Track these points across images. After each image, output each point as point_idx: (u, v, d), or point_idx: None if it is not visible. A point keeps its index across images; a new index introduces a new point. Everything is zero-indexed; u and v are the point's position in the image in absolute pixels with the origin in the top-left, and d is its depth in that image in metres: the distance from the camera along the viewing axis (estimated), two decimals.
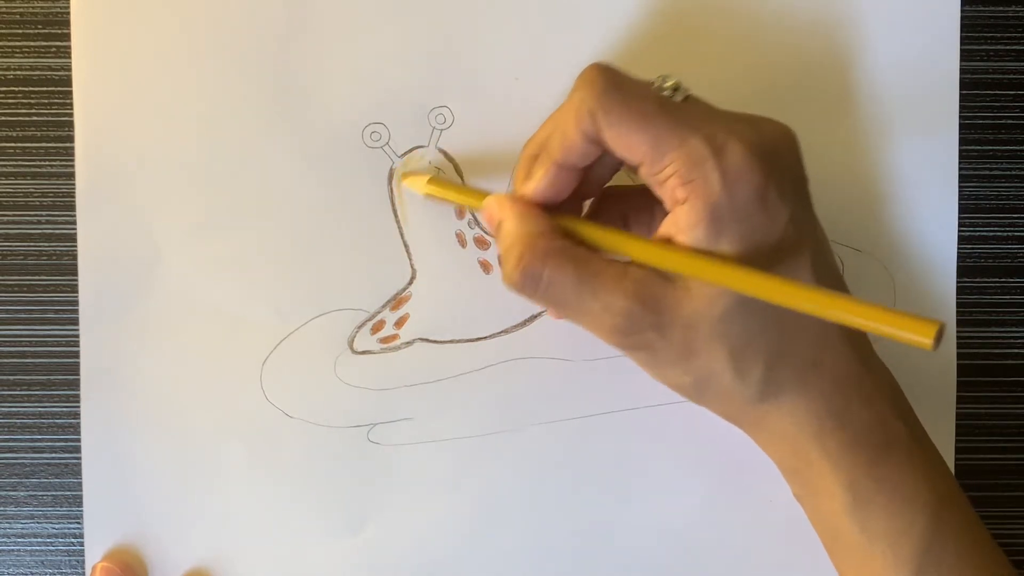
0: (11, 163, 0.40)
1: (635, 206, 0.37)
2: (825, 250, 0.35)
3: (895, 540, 0.33)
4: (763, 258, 0.32)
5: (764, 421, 0.34)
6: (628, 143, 0.33)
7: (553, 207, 0.35)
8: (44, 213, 0.40)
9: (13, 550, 0.41)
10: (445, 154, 0.40)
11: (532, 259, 0.33)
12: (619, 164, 0.36)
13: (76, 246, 0.40)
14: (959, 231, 0.40)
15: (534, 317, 0.40)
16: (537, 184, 0.35)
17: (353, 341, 0.40)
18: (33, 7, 0.40)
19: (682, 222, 0.33)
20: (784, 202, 0.33)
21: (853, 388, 0.34)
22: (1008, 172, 0.41)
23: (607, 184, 0.37)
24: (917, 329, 0.29)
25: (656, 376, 0.35)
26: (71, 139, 0.40)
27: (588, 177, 0.36)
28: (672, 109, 0.33)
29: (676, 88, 0.34)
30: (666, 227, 0.33)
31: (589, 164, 0.35)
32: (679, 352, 0.33)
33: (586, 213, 0.37)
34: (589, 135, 0.33)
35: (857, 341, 0.34)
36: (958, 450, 0.40)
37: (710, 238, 0.32)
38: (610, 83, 0.33)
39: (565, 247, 0.34)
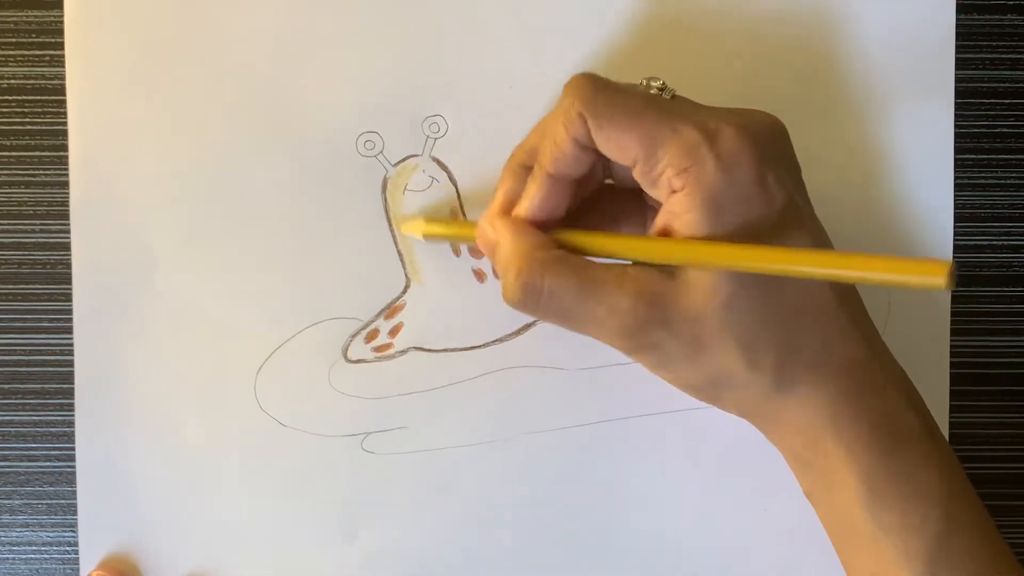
0: (5, 172, 0.40)
1: (624, 210, 0.37)
2: (823, 233, 0.35)
3: (908, 533, 0.33)
4: (765, 239, 0.32)
5: (779, 413, 0.34)
6: (620, 142, 0.33)
7: (546, 225, 0.35)
8: (38, 222, 0.40)
9: (8, 558, 0.41)
10: (439, 163, 0.40)
11: (531, 272, 0.33)
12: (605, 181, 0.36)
13: (70, 255, 0.40)
14: (954, 240, 0.40)
15: (528, 326, 0.40)
16: (532, 200, 0.35)
17: (347, 350, 0.40)
18: (27, 16, 0.40)
19: (679, 209, 0.32)
20: (781, 185, 0.33)
21: (866, 378, 0.33)
22: (1003, 181, 0.41)
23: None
24: (929, 270, 0.28)
25: (669, 378, 0.34)
26: (65, 148, 0.40)
27: (577, 195, 0.36)
28: (661, 104, 0.33)
29: (662, 88, 0.34)
30: (663, 218, 0.33)
31: (581, 177, 0.35)
32: (689, 347, 0.33)
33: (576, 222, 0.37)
34: (580, 140, 0.33)
35: (867, 331, 0.34)
36: None
37: (710, 222, 0.32)
38: (596, 86, 0.33)
39: (562, 256, 0.34)
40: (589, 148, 0.34)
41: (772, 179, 0.32)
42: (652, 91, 0.34)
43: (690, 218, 0.32)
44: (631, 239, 0.34)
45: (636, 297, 0.33)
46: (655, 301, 0.33)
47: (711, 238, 0.32)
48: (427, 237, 0.39)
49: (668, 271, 0.33)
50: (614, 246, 0.34)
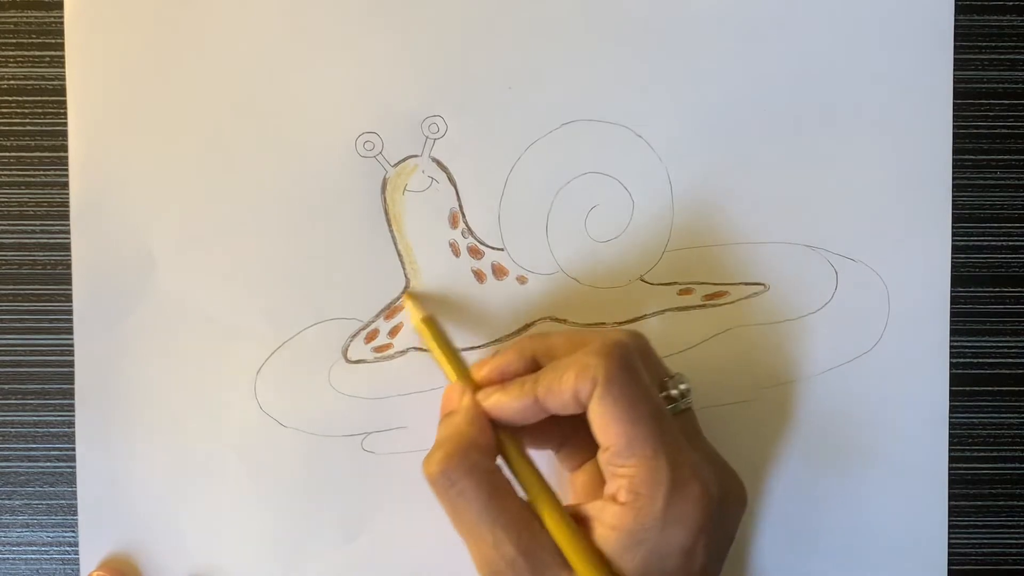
0: (5, 173, 0.40)
1: (575, 431, 0.37)
2: None
3: None
4: None
5: None
6: (607, 427, 0.33)
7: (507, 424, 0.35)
8: (38, 223, 0.40)
9: (8, 559, 0.41)
10: (438, 163, 0.40)
11: (456, 466, 0.34)
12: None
13: (70, 255, 0.40)
14: (953, 240, 0.40)
15: (528, 326, 0.40)
16: (507, 404, 0.35)
17: (347, 350, 0.40)
18: (27, 17, 0.40)
19: (606, 518, 0.33)
20: (703, 556, 0.33)
21: None
22: (1002, 181, 0.41)
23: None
24: None
25: None
26: (65, 148, 0.40)
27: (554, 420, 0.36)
28: (661, 421, 0.34)
29: (684, 395, 0.35)
30: (592, 506, 0.34)
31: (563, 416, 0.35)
32: None
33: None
34: (580, 399, 0.34)
35: None
36: (952, 459, 0.40)
37: (619, 551, 0.33)
38: (623, 366, 0.33)
39: (489, 470, 0.34)
40: (583, 406, 0.34)
41: (701, 547, 0.33)
42: (672, 392, 0.35)
43: (608, 534, 0.33)
44: (547, 503, 0.34)
45: (524, 553, 0.33)
46: (535, 566, 0.33)
47: (612, 562, 0.33)
48: (418, 331, 0.38)
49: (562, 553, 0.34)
50: (534, 496, 0.34)
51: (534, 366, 0.36)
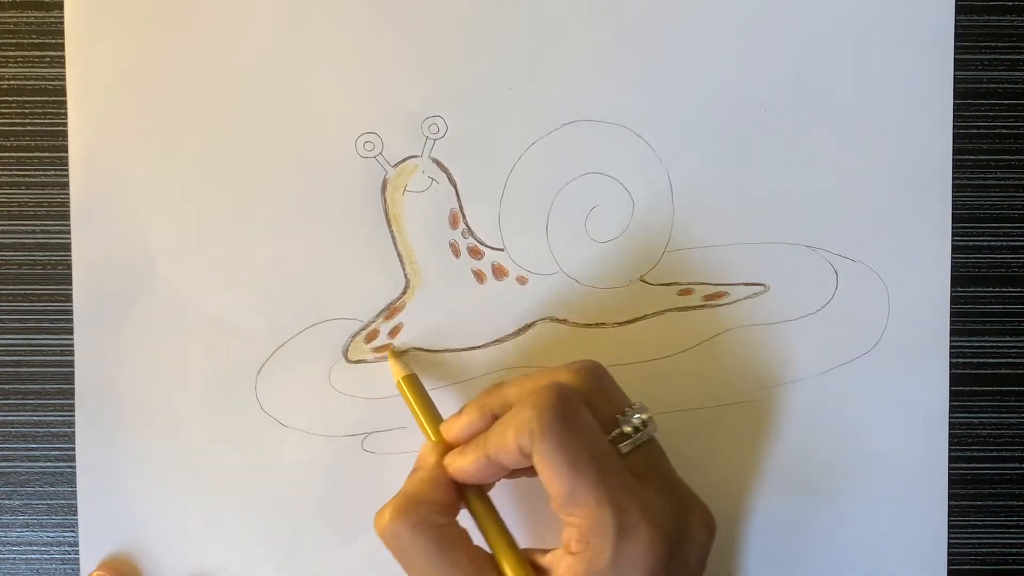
0: (5, 173, 0.40)
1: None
2: None
3: None
4: None
5: None
6: (549, 479, 0.33)
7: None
8: (38, 223, 0.40)
9: (8, 558, 0.41)
10: (438, 163, 0.40)
11: (401, 522, 0.34)
12: None
13: (70, 256, 0.40)
14: (953, 240, 0.40)
15: (528, 326, 0.40)
16: (465, 468, 0.35)
17: (347, 350, 0.40)
18: (27, 17, 0.40)
19: (562, 569, 0.33)
20: None
21: None
22: (1002, 181, 0.41)
23: None
24: None
25: None
26: (65, 149, 0.40)
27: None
28: (604, 465, 0.33)
29: (641, 427, 0.35)
30: (552, 556, 0.34)
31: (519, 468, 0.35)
32: None
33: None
34: (523, 451, 0.34)
35: None
36: (952, 459, 0.40)
37: None
38: (558, 415, 0.33)
39: (439, 525, 0.35)
40: (529, 458, 0.34)
41: None
42: (625, 428, 0.35)
43: None
44: (509, 555, 0.34)
45: None
46: None
47: None
48: (399, 388, 0.39)
49: None
50: (493, 544, 0.35)
51: (496, 419, 0.36)
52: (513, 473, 0.36)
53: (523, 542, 0.35)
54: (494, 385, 0.37)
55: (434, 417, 0.37)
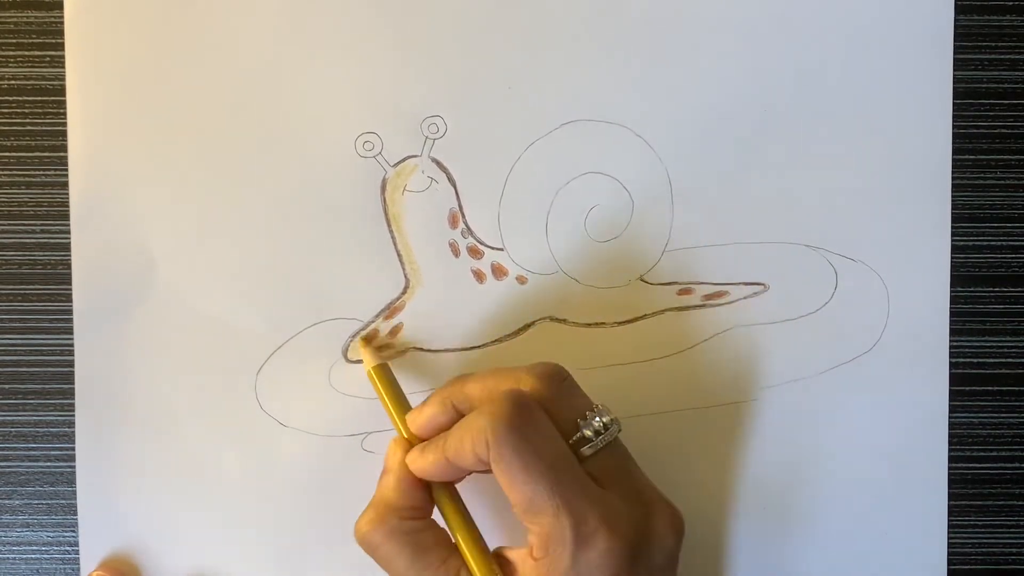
0: (5, 173, 0.40)
1: None
2: None
3: None
4: None
5: None
6: (507, 488, 0.34)
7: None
8: (38, 222, 0.40)
9: (8, 558, 0.41)
10: (438, 163, 0.40)
11: (378, 531, 0.35)
12: None
13: (70, 255, 0.40)
14: (952, 240, 0.40)
15: (527, 326, 0.40)
16: (426, 468, 0.36)
17: (347, 350, 0.40)
18: (27, 17, 0.40)
19: (525, 571, 0.34)
20: None
21: None
22: (1001, 181, 0.41)
23: None
24: None
25: None
26: (65, 148, 0.40)
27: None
28: (561, 473, 0.33)
29: (603, 430, 0.35)
30: (518, 554, 0.35)
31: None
32: None
33: None
34: (480, 458, 0.34)
35: None
36: (951, 459, 0.40)
37: None
38: (513, 426, 0.33)
39: (412, 532, 0.35)
40: (487, 465, 0.34)
41: None
42: (588, 432, 0.35)
43: None
44: (476, 552, 0.35)
45: None
46: None
47: None
48: (369, 378, 0.39)
49: None
50: (460, 541, 0.36)
51: (460, 415, 0.36)
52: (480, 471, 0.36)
53: (496, 536, 0.36)
54: (458, 377, 0.37)
55: (403, 408, 0.38)
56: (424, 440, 0.36)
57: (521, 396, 0.34)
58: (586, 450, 0.35)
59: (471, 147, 0.40)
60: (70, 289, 0.40)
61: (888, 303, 0.40)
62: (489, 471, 0.34)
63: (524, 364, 0.36)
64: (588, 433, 0.35)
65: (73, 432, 0.40)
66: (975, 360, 0.41)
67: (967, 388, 0.41)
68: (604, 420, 0.35)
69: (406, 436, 0.37)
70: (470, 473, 0.36)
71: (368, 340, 0.40)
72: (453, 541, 0.36)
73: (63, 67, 0.40)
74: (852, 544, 0.40)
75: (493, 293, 0.40)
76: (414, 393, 0.40)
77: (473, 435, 0.34)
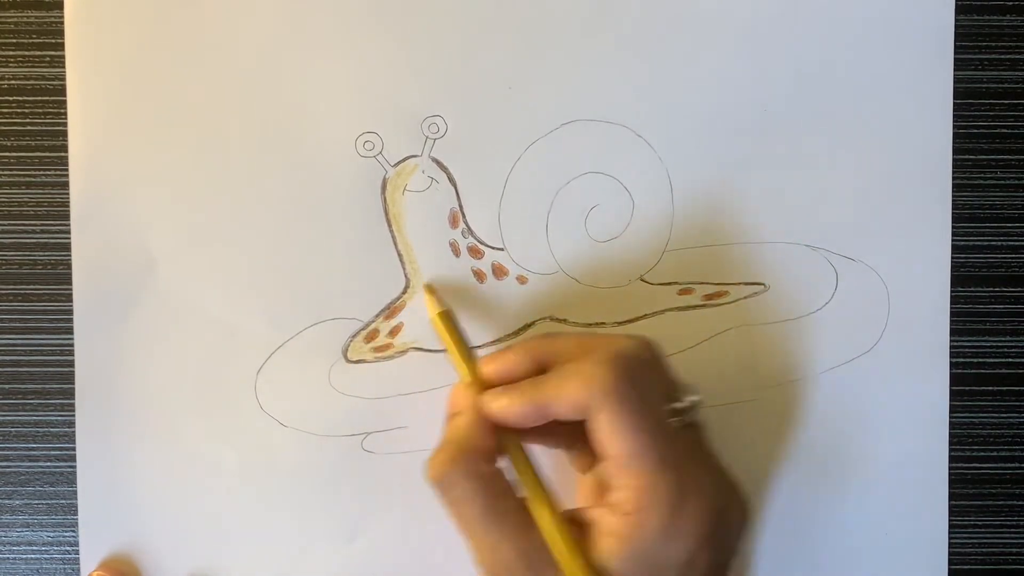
0: (5, 173, 0.40)
1: (586, 433, 0.36)
2: None
3: None
4: None
5: None
6: (608, 440, 0.33)
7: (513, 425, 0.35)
8: (38, 222, 0.40)
9: (8, 558, 0.41)
10: (438, 163, 0.40)
11: (455, 471, 0.34)
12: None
13: (70, 255, 0.40)
14: (952, 240, 0.40)
15: (528, 326, 0.40)
16: (510, 409, 0.35)
17: (347, 350, 0.40)
18: (27, 16, 0.40)
19: (607, 526, 0.33)
20: (702, 571, 0.33)
21: None
22: (1002, 181, 0.41)
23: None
24: None
25: None
26: (65, 148, 0.40)
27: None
28: (664, 435, 0.33)
29: (690, 408, 0.35)
30: (595, 512, 0.34)
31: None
32: None
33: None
34: (582, 408, 0.34)
35: None
36: (952, 459, 0.40)
37: (617, 561, 0.33)
38: (627, 378, 0.33)
39: (489, 474, 0.34)
40: (583, 418, 0.34)
41: (700, 562, 0.33)
42: (678, 406, 0.34)
43: (607, 542, 0.33)
44: (544, 509, 0.34)
45: (521, 556, 0.33)
46: (534, 568, 0.33)
47: (608, 571, 0.33)
48: (433, 325, 0.38)
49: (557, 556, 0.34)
50: (533, 499, 0.34)
51: (540, 367, 0.36)
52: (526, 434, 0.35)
53: None
54: (542, 335, 0.37)
55: (470, 356, 0.37)
56: (495, 387, 0.36)
57: (633, 355, 0.34)
58: (675, 422, 0.34)
59: (471, 147, 0.40)
60: (70, 289, 0.40)
61: (888, 303, 0.40)
62: (577, 421, 0.34)
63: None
64: (679, 406, 0.35)
65: (73, 432, 0.40)
66: (975, 360, 0.41)
67: (967, 388, 0.41)
68: (693, 398, 0.35)
69: (473, 381, 0.36)
70: (547, 421, 0.35)
71: (432, 289, 0.39)
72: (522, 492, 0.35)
73: (63, 67, 0.40)
74: (852, 544, 0.40)
75: (493, 293, 0.40)
76: (414, 393, 0.40)
77: (581, 381, 0.33)
